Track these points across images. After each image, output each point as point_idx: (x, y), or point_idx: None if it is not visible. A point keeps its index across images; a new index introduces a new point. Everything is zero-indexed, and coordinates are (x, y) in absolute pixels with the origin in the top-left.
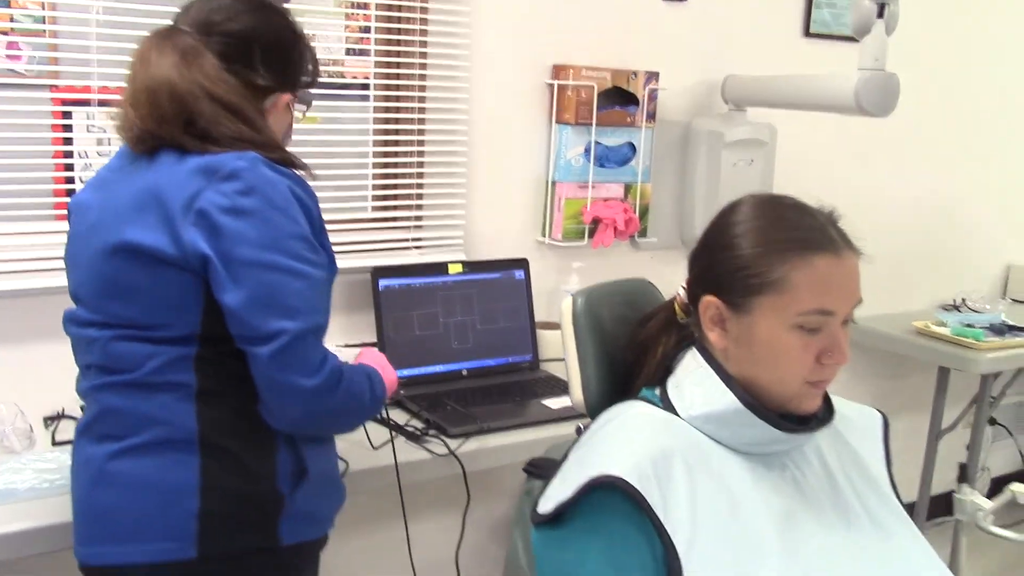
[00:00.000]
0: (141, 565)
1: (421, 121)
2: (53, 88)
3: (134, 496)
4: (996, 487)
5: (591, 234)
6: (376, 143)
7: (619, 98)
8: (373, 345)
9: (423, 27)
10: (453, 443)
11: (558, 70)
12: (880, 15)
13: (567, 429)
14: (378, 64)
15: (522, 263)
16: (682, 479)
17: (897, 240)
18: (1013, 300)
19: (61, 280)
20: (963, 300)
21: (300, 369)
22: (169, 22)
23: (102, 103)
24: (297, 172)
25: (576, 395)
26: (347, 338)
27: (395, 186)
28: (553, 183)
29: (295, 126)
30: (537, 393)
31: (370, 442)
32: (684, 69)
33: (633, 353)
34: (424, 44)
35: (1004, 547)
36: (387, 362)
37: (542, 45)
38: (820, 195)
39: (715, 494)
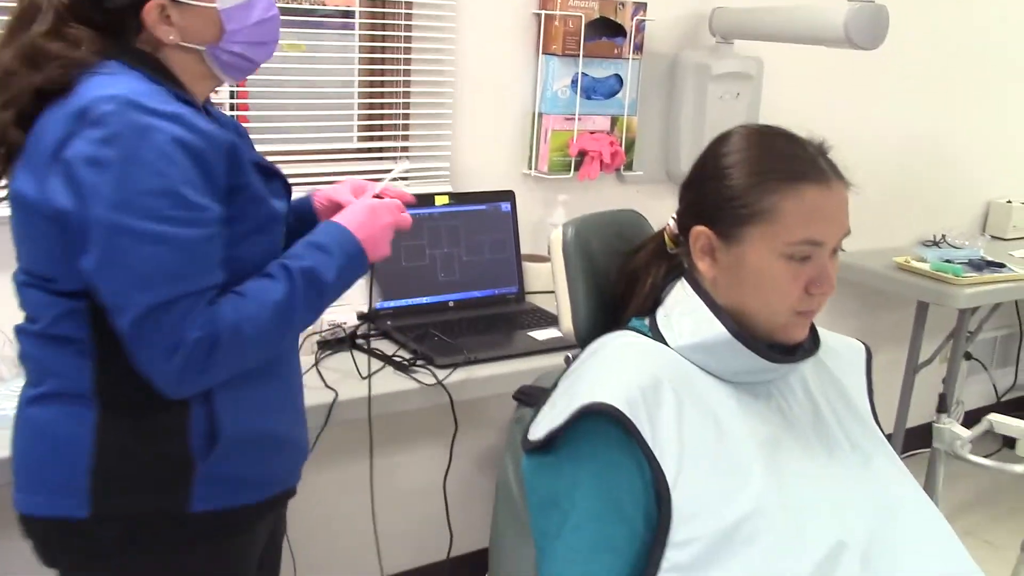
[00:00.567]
0: (38, 518)
1: (407, 51)
2: None
3: (34, 445)
4: (970, 420)
5: (577, 167)
6: (361, 72)
7: (606, 29)
8: None
9: None
10: (440, 373)
11: (545, 0)
12: None
13: (554, 360)
14: None
15: (508, 195)
16: (670, 407)
17: (880, 176)
18: (992, 236)
19: None
20: (943, 236)
21: (156, 348)
22: None
23: None
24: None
25: (566, 325)
26: None
27: (381, 116)
28: (539, 115)
29: (277, 53)
30: (523, 325)
31: (358, 372)
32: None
33: (622, 283)
34: None
35: (979, 476)
36: (376, 217)
37: None
38: (804, 129)
39: (702, 421)
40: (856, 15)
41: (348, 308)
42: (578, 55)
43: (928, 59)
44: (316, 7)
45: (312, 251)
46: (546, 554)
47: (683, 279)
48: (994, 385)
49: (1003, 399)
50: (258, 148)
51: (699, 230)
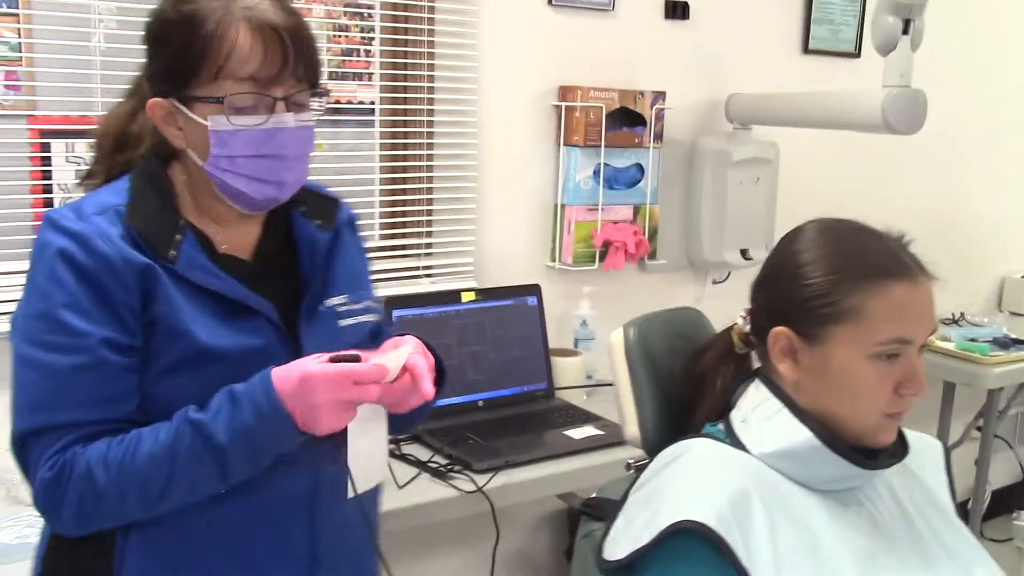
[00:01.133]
0: None
1: (430, 147)
2: (30, 119)
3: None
4: (996, 499)
5: (602, 257)
6: (383, 169)
7: (625, 119)
8: None
9: (430, 50)
10: (479, 478)
11: (565, 91)
12: (905, 31)
13: (592, 460)
14: (384, 89)
15: (535, 289)
16: (761, 520)
17: None
18: (1011, 313)
19: None
20: (961, 314)
21: (26, 476)
22: None
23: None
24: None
25: (632, 430)
26: None
27: (404, 213)
28: (562, 206)
29: None
30: (556, 423)
31: (395, 481)
32: (687, 88)
33: (690, 386)
34: (431, 68)
35: None
36: (308, 390)
37: (548, 67)
38: (821, 211)
39: (795, 534)
40: (894, 101)
41: None
42: (599, 146)
43: (938, 136)
44: (338, 105)
45: (224, 399)
46: None
47: (758, 381)
48: (1020, 463)
49: None
50: None
51: (779, 331)
